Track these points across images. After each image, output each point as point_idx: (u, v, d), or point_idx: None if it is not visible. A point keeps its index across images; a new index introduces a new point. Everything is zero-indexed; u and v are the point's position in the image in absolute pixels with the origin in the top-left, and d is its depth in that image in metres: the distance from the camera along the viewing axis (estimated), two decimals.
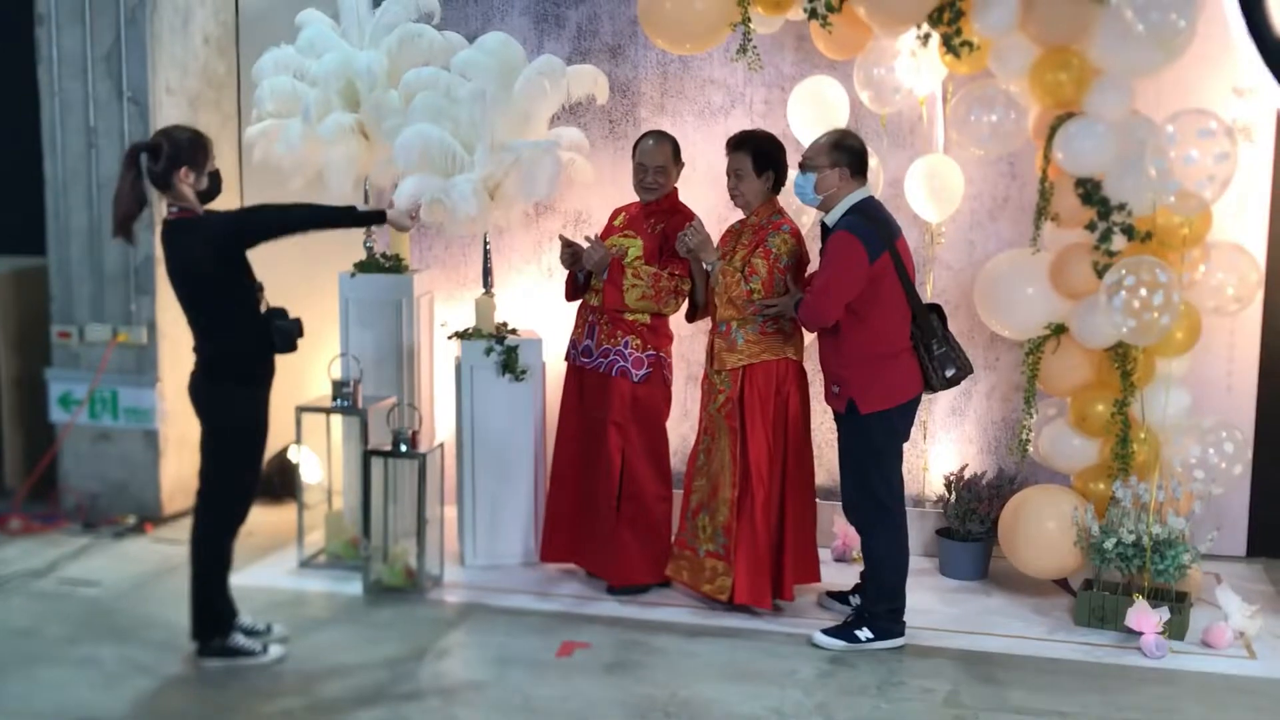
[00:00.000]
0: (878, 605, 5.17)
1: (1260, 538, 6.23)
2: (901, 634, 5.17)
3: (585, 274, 5.74)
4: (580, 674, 4.88)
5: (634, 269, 5.56)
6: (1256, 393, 6.11)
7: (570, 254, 5.70)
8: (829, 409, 5.29)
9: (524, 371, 5.95)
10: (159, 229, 4.88)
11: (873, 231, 4.99)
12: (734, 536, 5.34)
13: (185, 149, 4.75)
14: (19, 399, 7.11)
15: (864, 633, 5.13)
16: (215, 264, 4.73)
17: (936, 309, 5.20)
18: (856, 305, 5.01)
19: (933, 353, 5.10)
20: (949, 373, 5.12)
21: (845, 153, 5.09)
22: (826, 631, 5.16)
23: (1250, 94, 5.82)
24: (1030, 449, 5.76)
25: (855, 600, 5.44)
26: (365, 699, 4.64)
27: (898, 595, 5.18)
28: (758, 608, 5.43)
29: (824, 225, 5.18)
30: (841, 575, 5.86)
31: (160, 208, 4.82)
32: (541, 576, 5.94)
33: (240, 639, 4.95)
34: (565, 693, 4.71)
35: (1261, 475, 6.08)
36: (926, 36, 5.48)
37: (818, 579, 5.61)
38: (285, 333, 4.87)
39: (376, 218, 5.10)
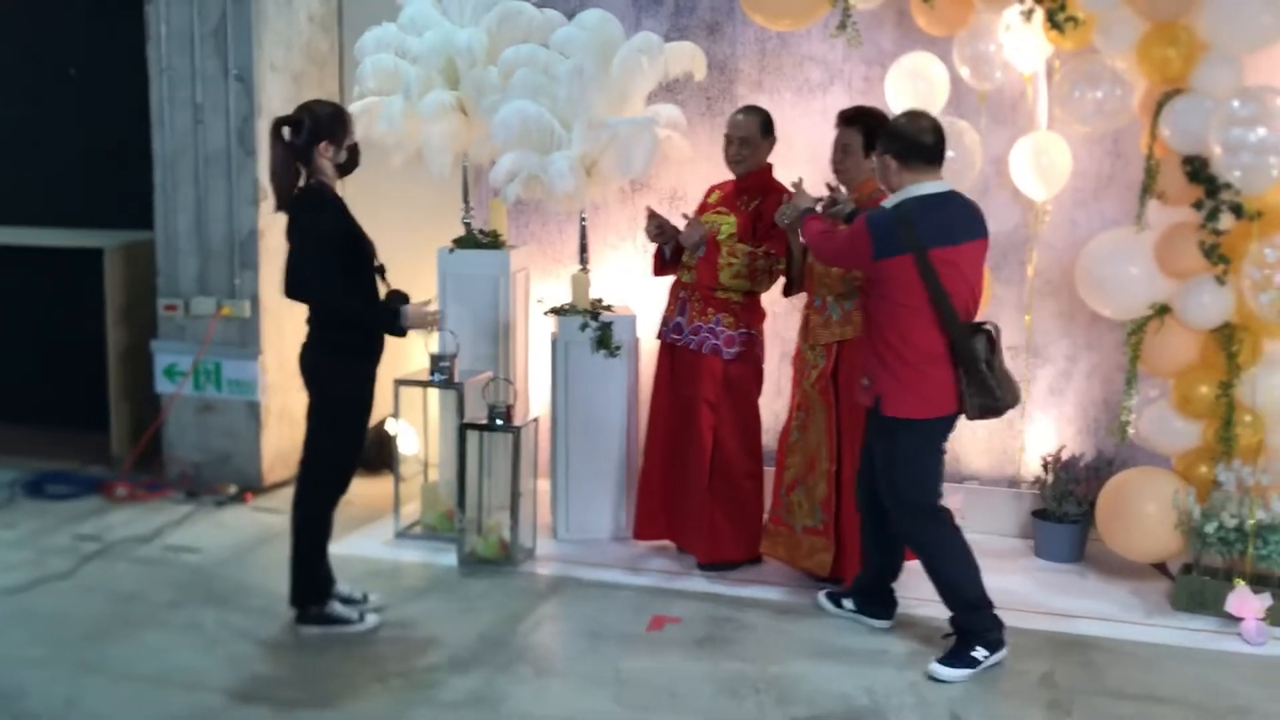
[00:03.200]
0: (969, 618, 4.79)
1: None
2: (1004, 640, 4.80)
3: (672, 249, 5.73)
4: (671, 648, 4.91)
5: (729, 247, 5.55)
6: None
7: (656, 227, 5.69)
8: None
9: (618, 348, 5.97)
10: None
11: (893, 229, 4.62)
12: (832, 511, 5.32)
13: (325, 123, 4.84)
14: (126, 370, 7.30)
15: (979, 652, 4.72)
16: (337, 238, 4.80)
17: (985, 332, 4.71)
18: (883, 303, 4.72)
19: (968, 377, 4.67)
20: (979, 402, 4.69)
21: (893, 139, 4.71)
22: (942, 661, 4.71)
23: None
24: (1131, 430, 5.66)
25: (850, 604, 5.19)
26: (459, 668, 4.71)
27: (982, 601, 4.80)
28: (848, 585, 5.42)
29: None
30: None
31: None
32: (632, 551, 5.96)
33: (337, 607, 5.04)
34: (655, 666, 4.74)
35: None
36: (1030, 11, 5.39)
37: (911, 556, 5.57)
38: (427, 313, 5.01)
39: (396, 329, 4.99)
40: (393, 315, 4.96)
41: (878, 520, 5.01)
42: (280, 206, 4.89)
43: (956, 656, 4.72)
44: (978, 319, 4.78)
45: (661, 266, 5.83)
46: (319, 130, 4.82)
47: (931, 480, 4.85)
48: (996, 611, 4.81)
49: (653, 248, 5.87)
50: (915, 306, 4.64)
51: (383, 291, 5.02)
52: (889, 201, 4.74)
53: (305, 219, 4.81)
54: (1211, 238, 5.22)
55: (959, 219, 4.74)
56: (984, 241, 4.81)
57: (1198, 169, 5.24)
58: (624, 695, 4.50)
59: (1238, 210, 5.19)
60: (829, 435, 5.33)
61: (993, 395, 4.66)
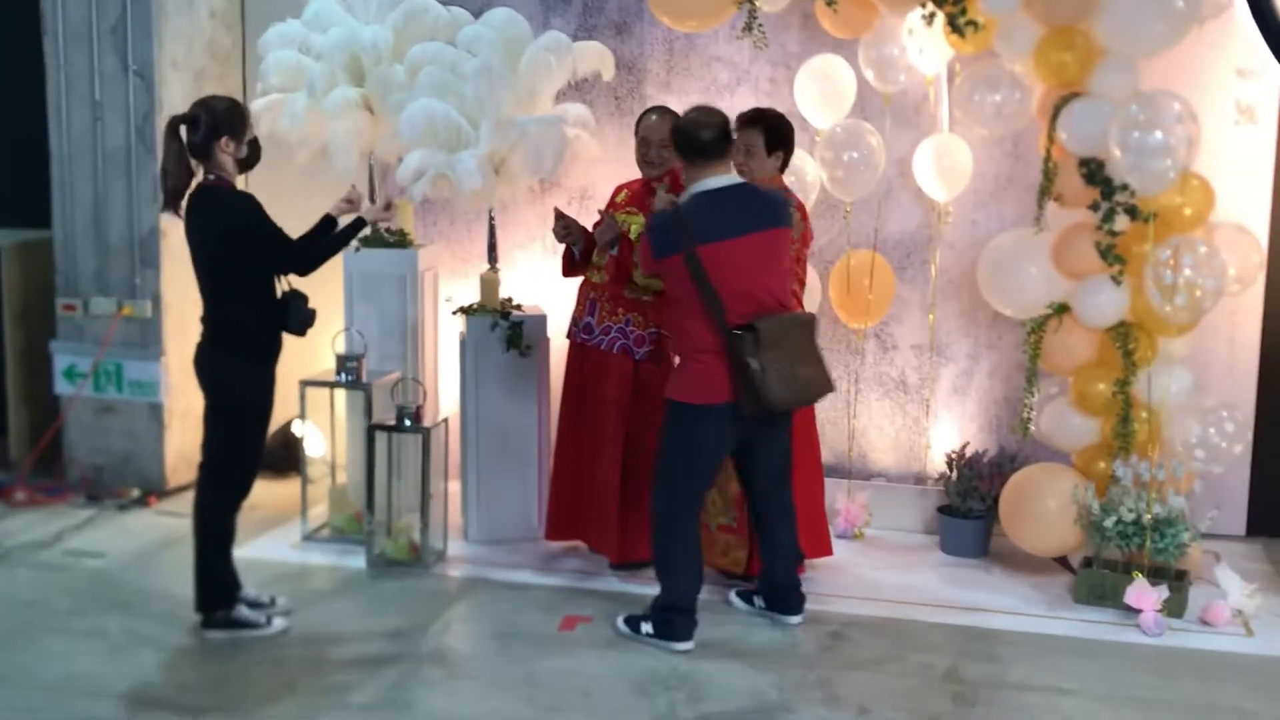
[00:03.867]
0: (660, 601, 4.97)
1: (1260, 517, 6.24)
2: (682, 639, 4.89)
3: (581, 249, 5.73)
4: (582, 647, 4.92)
5: (640, 245, 5.56)
6: (1258, 373, 6.13)
7: (563, 228, 5.68)
8: (835, 382, 5.26)
9: (529, 347, 5.97)
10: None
11: (666, 230, 4.74)
12: (745, 509, 5.37)
13: (224, 118, 4.78)
14: (24, 372, 7.14)
15: (647, 625, 4.97)
16: (239, 235, 4.75)
17: (753, 330, 4.65)
18: (668, 299, 4.92)
19: (738, 374, 4.68)
20: (747, 398, 4.67)
21: (675, 137, 4.86)
22: (627, 618, 5.04)
23: (1254, 75, 5.83)
24: (1032, 427, 5.77)
25: (759, 602, 5.25)
26: (368, 671, 4.68)
27: (676, 594, 4.91)
28: None
29: None
30: (844, 552, 5.89)
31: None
32: (543, 552, 5.96)
33: (244, 611, 4.99)
34: (567, 666, 4.75)
35: (1262, 455, 6.10)
36: (932, 15, 5.47)
37: (829, 553, 5.66)
38: (302, 319, 4.92)
39: (358, 225, 5.07)
40: (357, 222, 5.03)
41: (760, 520, 5.13)
42: (168, 206, 4.82)
43: (632, 618, 5.01)
44: (803, 307, 5.10)
45: (571, 267, 5.84)
46: (218, 126, 4.76)
47: (685, 490, 4.90)
48: (696, 617, 4.95)
49: (562, 247, 5.87)
50: (688, 303, 4.73)
51: (280, 289, 4.96)
52: (682, 198, 4.89)
53: (211, 216, 4.74)
54: (1108, 239, 5.34)
55: (737, 214, 4.76)
56: (775, 232, 4.81)
57: (1094, 171, 5.36)
58: (536, 695, 4.51)
59: (1133, 212, 5.32)
60: None
61: (757, 394, 4.65)
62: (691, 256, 4.66)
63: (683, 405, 4.83)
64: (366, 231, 5.37)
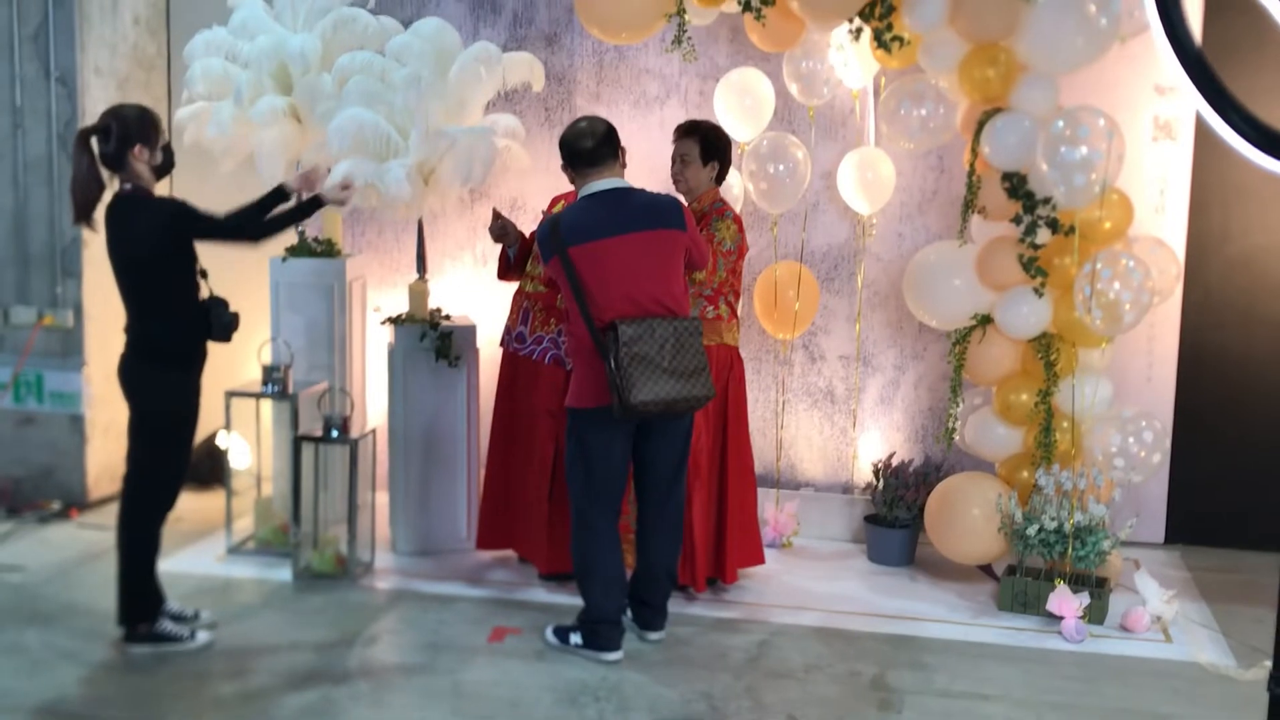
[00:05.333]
0: (585, 613, 4.94)
1: (1178, 525, 6.39)
2: (609, 649, 4.88)
3: (516, 252, 5.73)
4: (511, 659, 4.91)
5: None
6: (1175, 384, 6.26)
7: (500, 228, 5.67)
8: (763, 393, 5.31)
9: (458, 358, 5.95)
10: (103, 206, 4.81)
11: (545, 235, 4.79)
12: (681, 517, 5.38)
13: (135, 126, 4.71)
14: None
15: (575, 636, 4.95)
16: (163, 243, 4.69)
17: (613, 328, 4.62)
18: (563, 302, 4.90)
19: (607, 375, 4.66)
20: (615, 398, 4.62)
21: (562, 148, 4.85)
22: (555, 628, 5.05)
23: (1172, 92, 5.97)
24: (956, 437, 5.85)
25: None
26: (294, 684, 4.63)
27: (597, 607, 4.90)
28: (694, 590, 5.50)
29: None
30: (772, 562, 5.92)
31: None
32: (473, 563, 5.95)
33: (168, 625, 4.92)
34: (495, 677, 4.73)
35: (1179, 464, 6.24)
36: (859, 31, 5.54)
37: (761, 561, 5.70)
38: (224, 324, 4.85)
39: (314, 203, 5.05)
40: (314, 200, 4.99)
41: (641, 529, 5.07)
42: (80, 219, 4.73)
43: (561, 629, 5.00)
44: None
45: (506, 270, 5.83)
46: (130, 134, 4.69)
47: (594, 490, 4.86)
48: (618, 627, 4.92)
49: (496, 251, 5.84)
50: (570, 305, 4.76)
51: (203, 294, 4.90)
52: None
53: (132, 225, 4.68)
54: (1030, 251, 5.43)
55: (615, 214, 4.75)
56: (659, 233, 4.75)
57: (1017, 185, 5.44)
58: (463, 707, 4.49)
59: (1054, 225, 5.41)
60: None
61: (619, 393, 4.60)
62: (565, 257, 4.69)
63: (572, 410, 4.85)
64: (309, 230, 5.25)
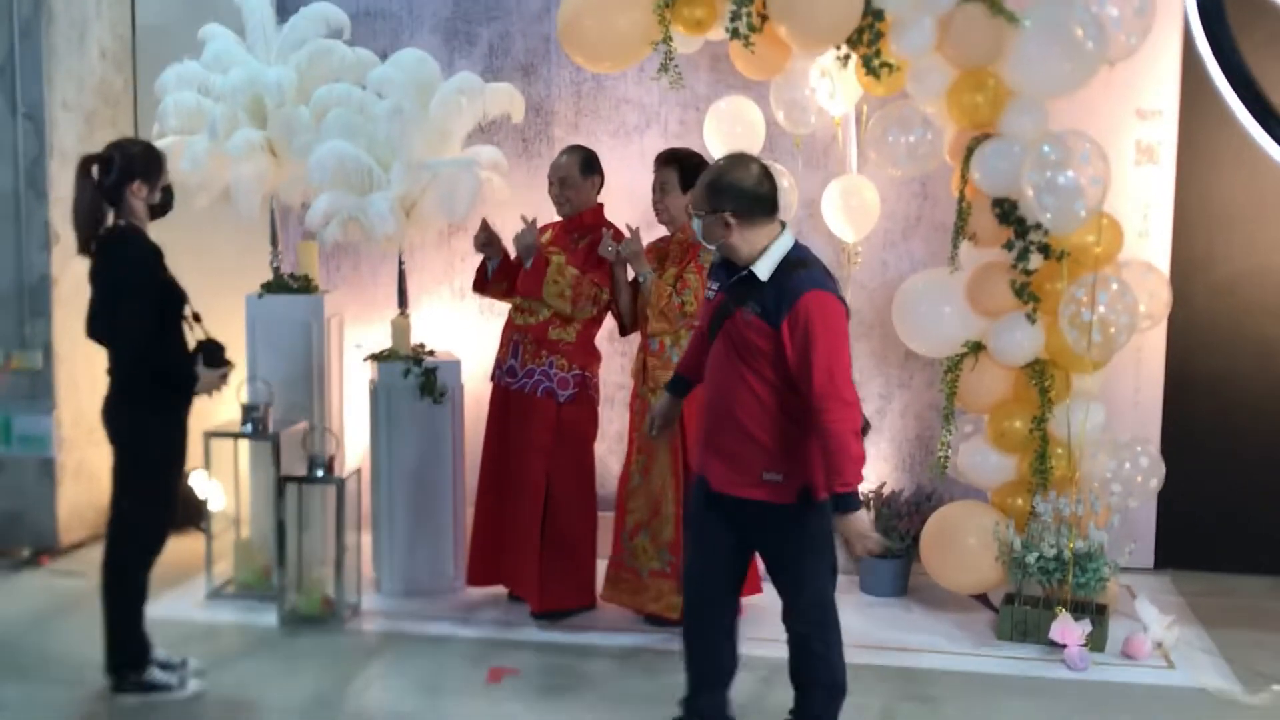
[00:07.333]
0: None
1: (1168, 550, 6.37)
2: None
3: (495, 267, 5.63)
4: (512, 701, 4.79)
5: (558, 267, 5.47)
6: (1162, 407, 6.26)
7: (485, 238, 5.58)
8: None
9: (443, 393, 5.83)
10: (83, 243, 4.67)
11: (836, 287, 4.04)
12: (679, 554, 5.28)
13: (138, 162, 4.61)
14: None
15: None
16: (149, 282, 4.56)
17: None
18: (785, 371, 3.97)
19: None
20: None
21: (727, 196, 3.93)
22: None
23: (1154, 116, 5.99)
24: (948, 466, 5.80)
25: None
26: None
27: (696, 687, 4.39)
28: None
29: (737, 272, 4.02)
30: (768, 595, 5.82)
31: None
32: (461, 602, 5.82)
33: (157, 673, 4.76)
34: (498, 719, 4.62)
35: (1168, 488, 6.18)
36: (846, 58, 5.50)
37: (758, 590, 5.59)
38: (217, 374, 4.75)
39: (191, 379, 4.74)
40: (190, 378, 4.69)
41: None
42: (83, 250, 4.63)
43: None
44: None
45: (483, 283, 5.72)
46: (131, 169, 4.60)
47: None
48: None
49: (475, 295, 5.75)
50: (846, 374, 3.98)
51: (195, 340, 4.78)
52: (765, 261, 3.95)
53: (117, 262, 4.57)
54: (1022, 277, 5.40)
55: None
56: None
57: (1007, 211, 5.41)
58: None
59: (1046, 250, 5.39)
60: (674, 477, 5.30)
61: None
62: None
63: (814, 502, 4.10)
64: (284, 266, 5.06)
